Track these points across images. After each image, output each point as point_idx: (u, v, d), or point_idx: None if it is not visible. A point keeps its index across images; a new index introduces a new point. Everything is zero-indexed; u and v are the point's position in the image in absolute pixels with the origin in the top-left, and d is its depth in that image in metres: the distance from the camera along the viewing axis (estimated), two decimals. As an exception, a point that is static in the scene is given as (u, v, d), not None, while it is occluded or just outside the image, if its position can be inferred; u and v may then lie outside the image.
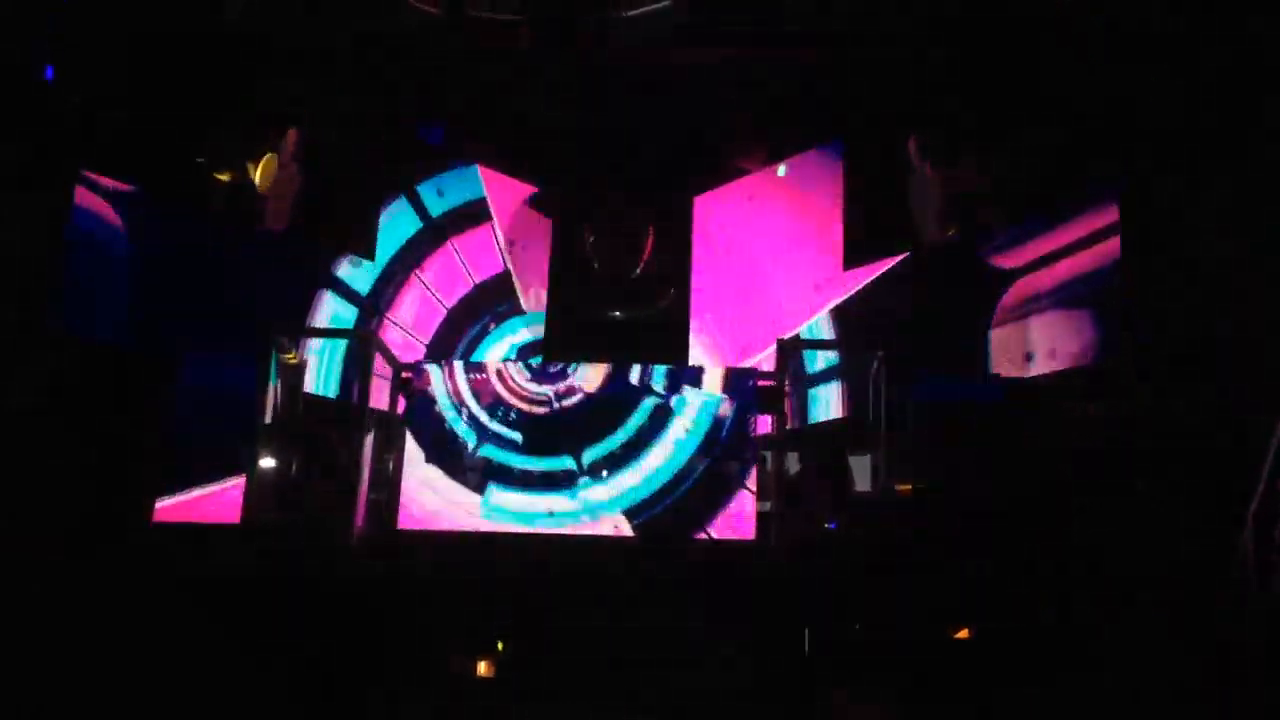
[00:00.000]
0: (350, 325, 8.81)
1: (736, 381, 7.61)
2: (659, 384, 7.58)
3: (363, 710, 6.19)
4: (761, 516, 7.19)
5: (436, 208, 9.26)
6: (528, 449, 7.55)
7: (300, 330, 8.09)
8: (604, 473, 7.45)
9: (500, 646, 6.77)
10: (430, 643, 6.70)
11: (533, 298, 9.16)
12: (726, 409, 7.50)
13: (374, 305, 8.97)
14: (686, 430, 7.47)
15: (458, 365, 7.76)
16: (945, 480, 7.14)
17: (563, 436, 7.57)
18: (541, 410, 7.60)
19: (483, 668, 6.83)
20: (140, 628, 6.13)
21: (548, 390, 7.63)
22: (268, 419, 7.11)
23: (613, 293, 8.77)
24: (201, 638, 6.14)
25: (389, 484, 7.48)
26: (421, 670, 6.58)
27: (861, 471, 7.31)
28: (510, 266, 9.24)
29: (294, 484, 7.15)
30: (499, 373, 7.69)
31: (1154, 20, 6.61)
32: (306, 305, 8.60)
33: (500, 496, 7.44)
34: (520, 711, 6.47)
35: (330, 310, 8.73)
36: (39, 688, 5.76)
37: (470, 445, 7.56)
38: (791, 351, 8.31)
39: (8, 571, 6.08)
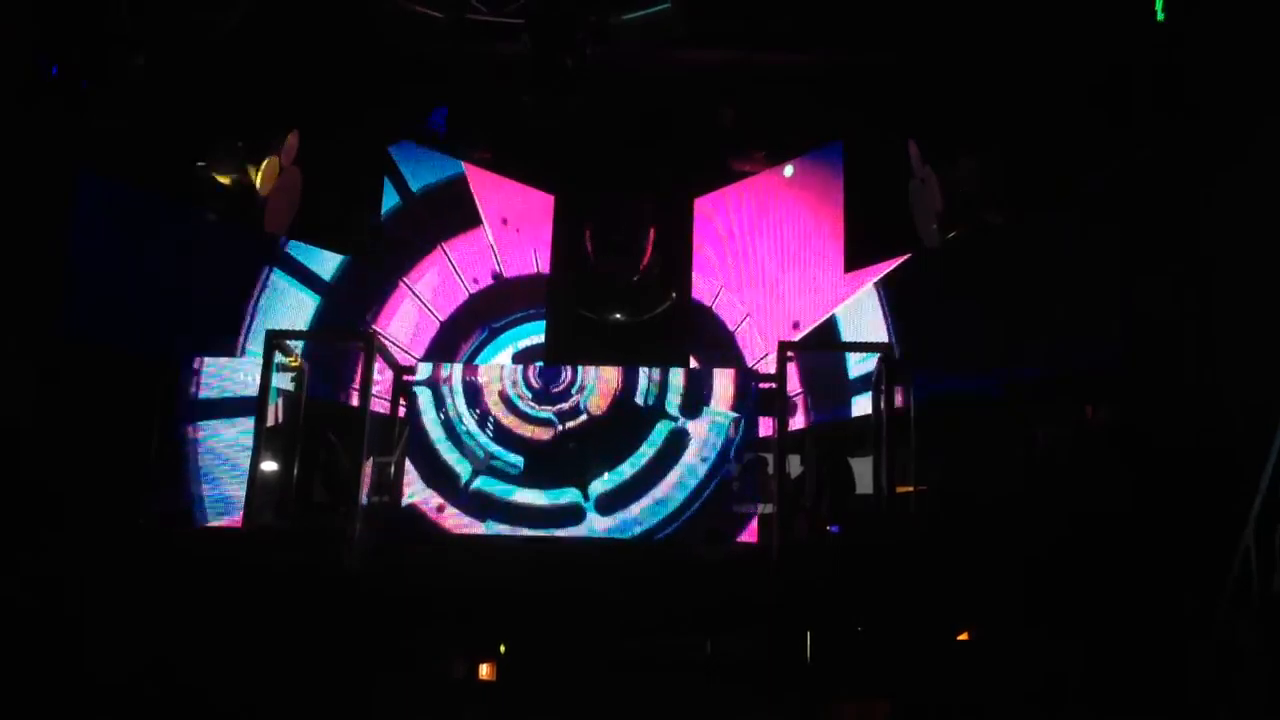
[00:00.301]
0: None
1: (743, 385, 7.45)
2: (672, 406, 7.33)
3: (366, 712, 6.17)
4: (763, 519, 7.16)
5: (415, 181, 8.99)
6: (529, 479, 7.24)
7: (300, 334, 8.07)
8: (612, 506, 7.18)
9: (502, 649, 6.75)
10: (432, 645, 6.69)
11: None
12: (736, 427, 7.28)
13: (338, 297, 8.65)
14: (701, 456, 7.24)
15: (456, 376, 7.53)
16: (946, 481, 7.16)
17: (567, 466, 7.24)
18: (545, 435, 7.32)
19: (485, 670, 6.81)
20: (141, 629, 6.13)
21: (549, 413, 7.36)
22: (269, 423, 7.07)
23: (613, 296, 8.75)
24: (203, 639, 6.14)
25: (389, 487, 7.46)
26: (424, 673, 6.57)
27: (864, 473, 7.30)
28: (492, 238, 9.04)
29: (295, 487, 7.14)
30: (500, 394, 7.40)
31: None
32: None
33: (501, 529, 7.22)
34: (521, 715, 6.46)
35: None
36: (39, 686, 5.77)
37: (463, 479, 7.29)
38: (792, 353, 8.19)
39: (11, 571, 6.10)
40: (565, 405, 7.37)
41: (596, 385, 7.40)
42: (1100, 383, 7.07)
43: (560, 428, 7.33)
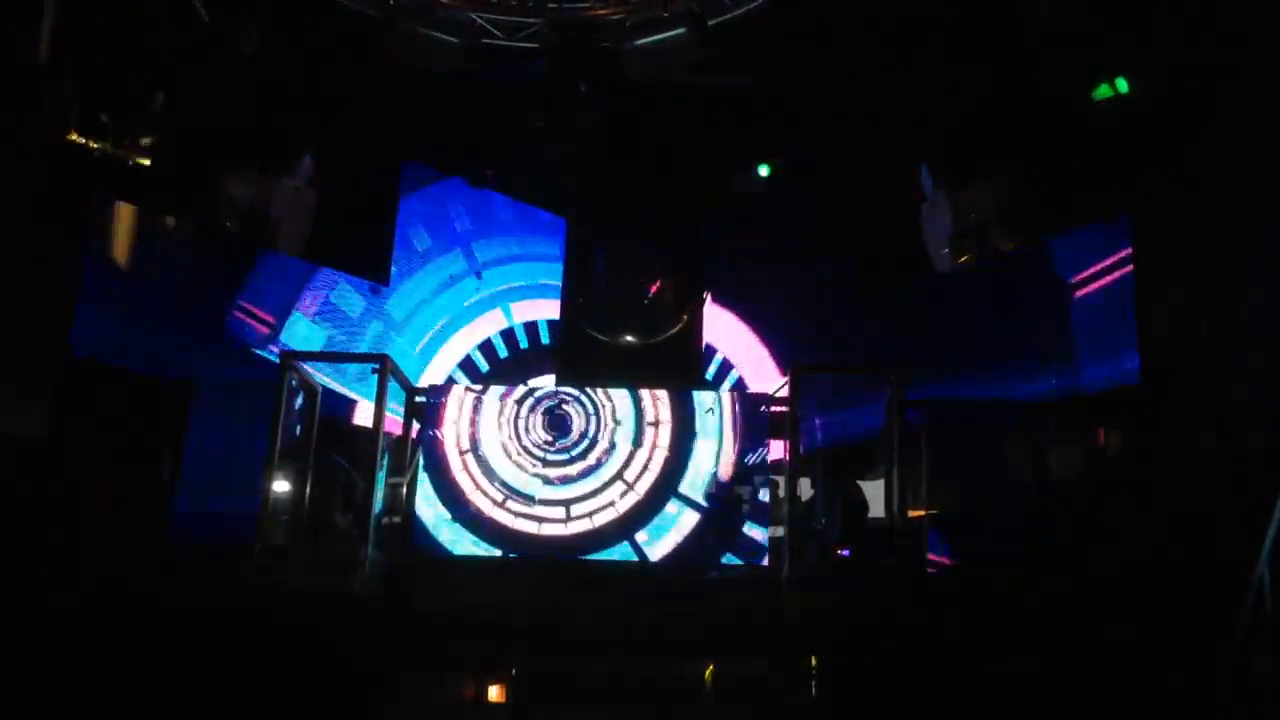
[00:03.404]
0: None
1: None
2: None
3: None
4: (774, 543, 7.14)
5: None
6: None
7: (315, 355, 8.09)
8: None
9: (513, 672, 6.74)
10: (444, 667, 6.69)
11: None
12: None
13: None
14: None
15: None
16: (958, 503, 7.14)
17: None
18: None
19: (495, 693, 6.81)
20: (153, 649, 6.16)
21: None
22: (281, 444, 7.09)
23: (624, 318, 8.74)
24: (213, 660, 6.16)
25: (401, 509, 7.47)
26: (435, 695, 6.57)
27: (875, 497, 7.26)
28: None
29: (308, 509, 7.15)
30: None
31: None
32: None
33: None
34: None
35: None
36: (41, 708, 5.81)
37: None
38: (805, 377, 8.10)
39: (20, 589, 6.13)
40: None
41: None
42: (1114, 405, 7.03)
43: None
